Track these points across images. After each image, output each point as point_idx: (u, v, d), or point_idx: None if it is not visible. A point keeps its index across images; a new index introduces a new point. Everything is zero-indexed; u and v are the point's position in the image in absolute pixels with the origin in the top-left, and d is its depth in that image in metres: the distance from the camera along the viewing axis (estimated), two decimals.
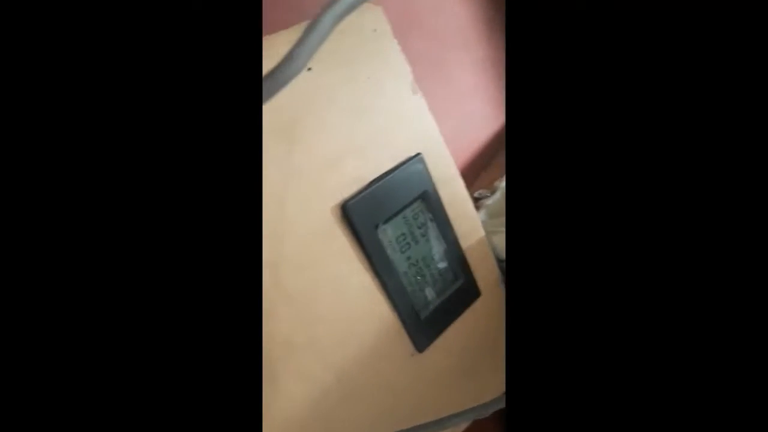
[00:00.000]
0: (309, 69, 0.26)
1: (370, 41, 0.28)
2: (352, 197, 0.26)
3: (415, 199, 0.28)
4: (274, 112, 0.24)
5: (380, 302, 0.27)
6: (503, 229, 0.32)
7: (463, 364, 0.30)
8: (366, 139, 0.27)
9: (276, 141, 0.24)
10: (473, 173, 0.42)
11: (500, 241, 0.32)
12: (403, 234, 0.28)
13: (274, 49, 0.24)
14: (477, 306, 0.31)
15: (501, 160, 0.42)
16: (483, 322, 0.32)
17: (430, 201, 0.29)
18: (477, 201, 0.38)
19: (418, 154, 0.28)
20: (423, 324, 0.28)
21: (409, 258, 0.28)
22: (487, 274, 0.32)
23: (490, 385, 0.31)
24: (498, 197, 0.37)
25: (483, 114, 0.43)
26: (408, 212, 0.28)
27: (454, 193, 0.30)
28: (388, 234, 0.27)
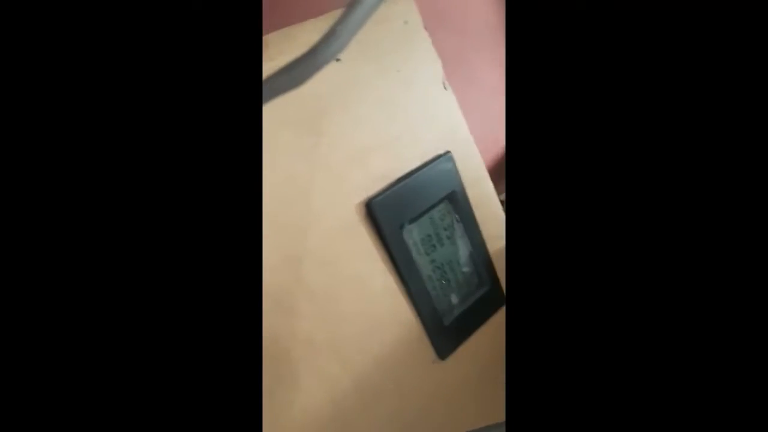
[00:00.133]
0: (338, 59, 0.25)
1: (401, 33, 0.27)
2: (378, 195, 0.25)
3: (443, 200, 0.27)
4: (300, 103, 0.23)
5: (403, 305, 0.26)
6: None
7: (487, 375, 0.29)
8: (394, 134, 0.26)
9: (302, 133, 0.23)
10: (497, 175, 0.41)
11: None
12: (429, 235, 0.27)
13: (303, 38, 0.24)
14: (502, 314, 0.30)
15: None
16: None
17: (457, 202, 0.27)
18: (502, 204, 0.37)
19: (448, 152, 0.27)
20: (446, 330, 0.27)
21: (433, 261, 0.27)
22: None
23: None
24: None
25: None
26: (435, 213, 0.27)
27: (482, 194, 0.29)
28: (414, 235, 0.26)
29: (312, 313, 0.23)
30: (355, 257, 0.24)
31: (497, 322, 0.30)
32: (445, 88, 0.28)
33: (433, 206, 0.27)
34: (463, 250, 0.28)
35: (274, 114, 0.23)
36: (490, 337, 0.29)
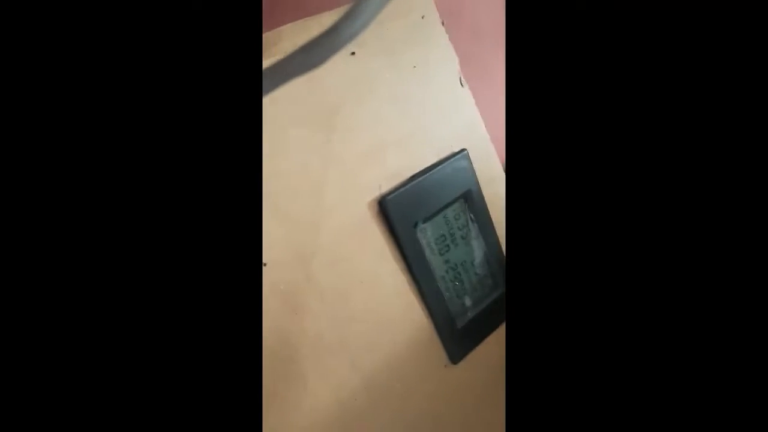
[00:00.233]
0: (352, 53, 0.24)
1: (417, 28, 0.26)
2: (391, 192, 0.24)
3: (458, 199, 0.26)
4: (314, 97, 0.23)
5: (415, 307, 0.25)
6: None
7: (500, 381, 0.28)
8: (409, 131, 0.25)
9: (315, 127, 0.23)
10: None
11: None
12: (443, 235, 0.26)
13: (319, 30, 0.23)
14: None
15: None
16: None
17: (473, 201, 0.27)
18: None
19: (464, 150, 0.26)
20: (459, 334, 0.26)
21: (447, 261, 0.26)
22: None
23: None
24: None
25: None
26: (449, 212, 0.26)
27: (497, 194, 0.28)
28: (427, 234, 0.25)
29: (321, 311, 0.22)
30: (366, 256, 0.24)
31: None
32: (462, 85, 0.27)
33: (447, 205, 0.26)
34: (478, 251, 0.27)
35: (287, 108, 0.22)
36: (504, 341, 0.29)
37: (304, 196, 0.22)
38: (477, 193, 0.27)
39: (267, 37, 0.22)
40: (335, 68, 0.23)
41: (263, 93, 0.12)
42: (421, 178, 0.25)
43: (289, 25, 0.23)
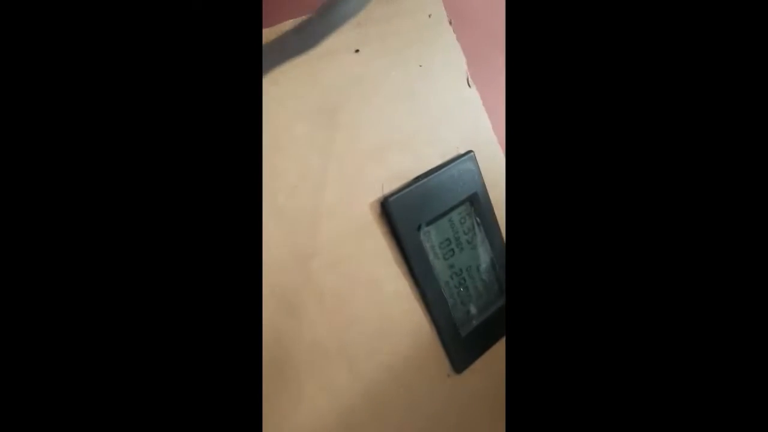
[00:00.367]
0: (356, 51, 0.24)
1: (424, 27, 0.25)
2: (395, 193, 0.23)
3: (463, 201, 0.25)
4: (316, 94, 0.22)
5: (417, 313, 0.24)
6: None
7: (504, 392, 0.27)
8: (414, 131, 0.25)
9: (317, 125, 0.22)
10: None
11: None
12: (448, 239, 0.25)
13: None
14: None
15: None
16: None
17: (479, 204, 0.26)
18: None
19: (470, 151, 0.26)
20: (463, 342, 0.25)
21: (452, 266, 0.25)
22: None
23: None
24: None
25: None
26: (454, 215, 0.25)
27: (505, 198, 0.27)
28: (432, 237, 0.25)
29: (320, 315, 0.21)
30: (368, 258, 0.23)
31: None
32: (469, 85, 0.27)
33: (453, 208, 0.25)
34: (484, 256, 0.26)
35: (288, 104, 0.21)
36: None
37: (303, 195, 0.21)
38: (483, 196, 0.26)
39: (267, 33, 0.22)
40: (338, 65, 0.23)
41: None
42: (425, 180, 0.24)
43: (289, 21, 0.22)
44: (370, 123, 0.23)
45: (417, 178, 0.24)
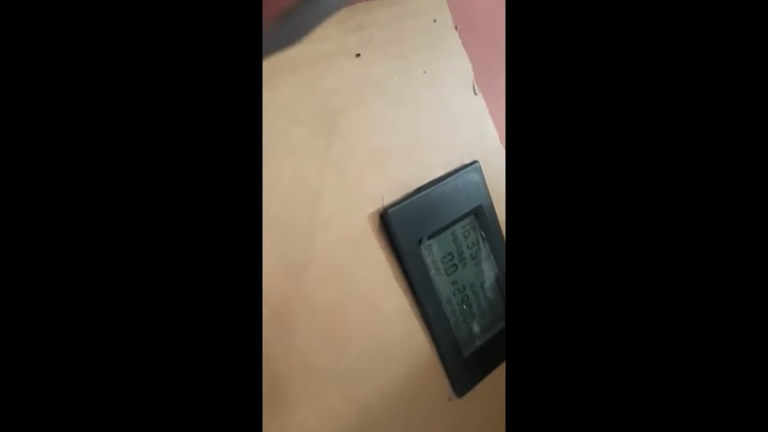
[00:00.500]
0: (357, 55, 0.23)
1: (429, 31, 0.24)
2: (395, 204, 0.22)
3: (468, 214, 0.24)
4: (313, 98, 0.21)
5: (417, 332, 0.23)
6: None
7: None
8: (416, 139, 0.23)
9: (315, 131, 0.21)
10: None
11: None
12: (450, 253, 0.24)
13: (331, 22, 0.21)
14: None
15: None
16: None
17: (484, 217, 0.25)
18: None
19: (475, 162, 0.24)
20: (465, 363, 0.24)
21: (454, 282, 0.24)
22: None
23: None
24: None
25: None
26: (458, 228, 0.24)
27: None
28: (433, 251, 0.23)
29: (312, 333, 0.20)
30: (365, 272, 0.22)
31: None
32: (475, 93, 0.25)
33: (456, 221, 0.24)
34: (489, 272, 0.25)
35: (284, 108, 0.20)
36: None
37: (298, 204, 0.20)
38: (489, 208, 0.25)
39: None
40: (338, 70, 0.22)
41: None
42: (428, 191, 0.23)
43: None
44: (371, 130, 0.22)
45: (419, 189, 0.23)
